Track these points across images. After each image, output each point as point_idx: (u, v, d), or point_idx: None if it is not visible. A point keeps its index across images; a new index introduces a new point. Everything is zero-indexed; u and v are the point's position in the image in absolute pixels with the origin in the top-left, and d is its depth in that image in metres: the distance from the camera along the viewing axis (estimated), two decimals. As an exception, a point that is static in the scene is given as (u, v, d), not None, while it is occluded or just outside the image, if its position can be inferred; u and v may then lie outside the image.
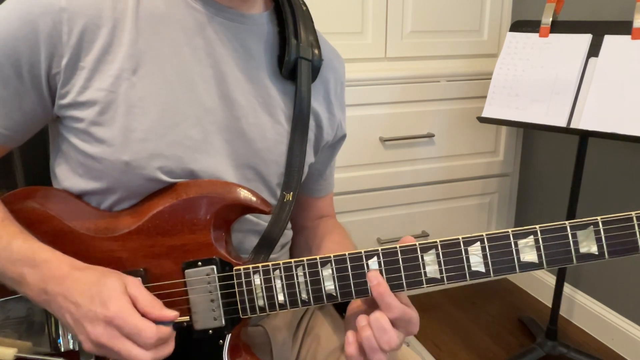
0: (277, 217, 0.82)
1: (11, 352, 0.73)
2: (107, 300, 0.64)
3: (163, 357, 0.67)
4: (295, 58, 0.82)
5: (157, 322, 0.66)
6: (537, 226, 0.67)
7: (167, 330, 0.67)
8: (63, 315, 0.67)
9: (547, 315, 1.83)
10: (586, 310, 1.97)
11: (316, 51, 0.85)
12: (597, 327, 1.93)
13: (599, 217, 0.66)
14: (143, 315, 0.66)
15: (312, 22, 0.86)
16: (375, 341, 0.68)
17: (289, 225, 0.92)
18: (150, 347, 0.65)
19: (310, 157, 0.89)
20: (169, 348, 0.68)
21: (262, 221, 0.84)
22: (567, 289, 2.02)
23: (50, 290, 0.67)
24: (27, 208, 0.76)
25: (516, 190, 2.27)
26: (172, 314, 0.68)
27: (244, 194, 0.76)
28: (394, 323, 0.69)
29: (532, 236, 0.67)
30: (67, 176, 0.78)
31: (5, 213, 0.73)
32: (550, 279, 2.08)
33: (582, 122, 1.49)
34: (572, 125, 1.51)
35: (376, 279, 0.69)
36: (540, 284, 2.17)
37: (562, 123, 1.52)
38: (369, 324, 0.69)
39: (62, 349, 0.75)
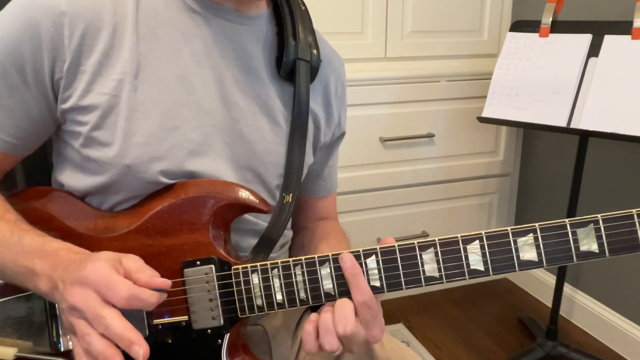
0: (276, 218, 0.82)
1: (12, 351, 0.73)
2: (87, 262, 0.62)
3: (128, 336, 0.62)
4: (293, 59, 0.82)
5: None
6: (536, 224, 0.67)
7: (144, 292, 0.63)
8: (54, 298, 0.65)
9: (547, 315, 1.83)
10: (586, 310, 1.97)
11: (315, 52, 0.84)
12: (597, 327, 1.93)
13: (599, 215, 0.66)
14: (135, 281, 0.63)
15: (311, 22, 0.86)
16: (331, 322, 0.68)
17: (289, 225, 0.92)
18: (123, 304, 0.61)
19: (309, 158, 0.89)
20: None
21: (262, 221, 0.84)
22: (567, 289, 2.02)
23: (56, 276, 0.65)
24: (27, 208, 0.77)
25: (516, 190, 2.27)
26: (166, 282, 0.65)
27: (243, 193, 0.76)
28: (359, 311, 0.68)
29: (531, 234, 0.67)
30: (69, 180, 0.78)
31: (16, 215, 0.73)
32: (550, 279, 2.08)
33: (582, 122, 1.49)
34: (572, 125, 1.51)
35: (350, 261, 0.69)
36: (540, 284, 2.17)
37: (562, 123, 1.52)
38: (332, 308, 0.69)
39: (62, 349, 0.75)
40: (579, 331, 1.98)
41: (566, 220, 0.66)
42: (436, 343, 1.91)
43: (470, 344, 1.90)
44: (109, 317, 0.60)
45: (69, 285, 0.62)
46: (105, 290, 0.61)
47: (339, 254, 0.71)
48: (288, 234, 0.94)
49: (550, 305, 1.80)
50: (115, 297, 0.61)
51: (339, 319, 0.68)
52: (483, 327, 2.00)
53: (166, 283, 0.65)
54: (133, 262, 0.66)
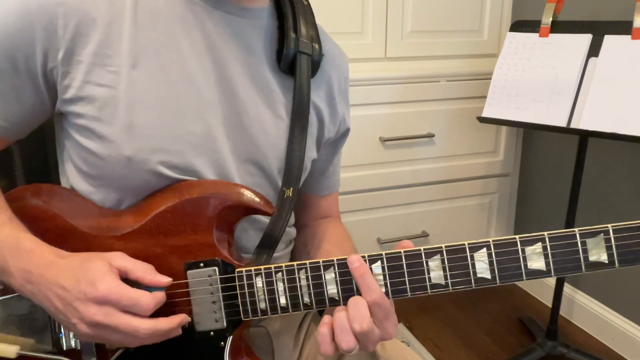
0: (277, 214, 0.81)
1: (14, 349, 0.73)
2: (95, 280, 0.64)
3: (161, 328, 0.67)
4: (294, 52, 0.82)
5: (151, 289, 0.68)
6: (545, 233, 0.66)
7: (162, 295, 0.68)
8: (51, 304, 0.67)
9: (547, 315, 1.84)
10: (586, 310, 1.97)
11: (316, 46, 0.84)
12: (597, 327, 1.94)
13: (609, 225, 0.65)
14: (138, 281, 0.68)
15: (313, 17, 0.86)
16: (347, 321, 0.67)
17: (291, 222, 0.91)
18: (148, 314, 0.66)
19: (312, 153, 0.89)
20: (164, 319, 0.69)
21: (263, 218, 0.83)
22: (567, 289, 2.02)
23: (34, 280, 0.67)
24: (30, 205, 0.76)
25: (516, 190, 2.27)
26: (166, 279, 0.69)
27: (247, 195, 0.76)
28: (371, 311, 0.68)
29: (540, 243, 0.66)
30: (72, 173, 0.78)
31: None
32: (551, 279, 2.08)
33: (582, 122, 1.49)
34: (572, 125, 1.51)
35: (358, 261, 0.69)
36: (540, 284, 2.17)
37: (562, 123, 1.52)
38: (346, 306, 0.69)
39: (65, 347, 0.75)
40: (579, 331, 1.98)
41: (576, 229, 0.65)
42: (436, 343, 1.91)
43: (470, 344, 1.90)
44: (137, 322, 0.66)
45: (79, 303, 0.65)
46: (130, 307, 0.65)
47: (344, 259, 0.70)
48: (291, 231, 0.94)
49: (550, 305, 1.80)
50: (141, 312, 0.66)
51: (354, 316, 0.67)
52: (483, 327, 2.00)
53: (168, 279, 0.70)
54: (122, 261, 0.69)
